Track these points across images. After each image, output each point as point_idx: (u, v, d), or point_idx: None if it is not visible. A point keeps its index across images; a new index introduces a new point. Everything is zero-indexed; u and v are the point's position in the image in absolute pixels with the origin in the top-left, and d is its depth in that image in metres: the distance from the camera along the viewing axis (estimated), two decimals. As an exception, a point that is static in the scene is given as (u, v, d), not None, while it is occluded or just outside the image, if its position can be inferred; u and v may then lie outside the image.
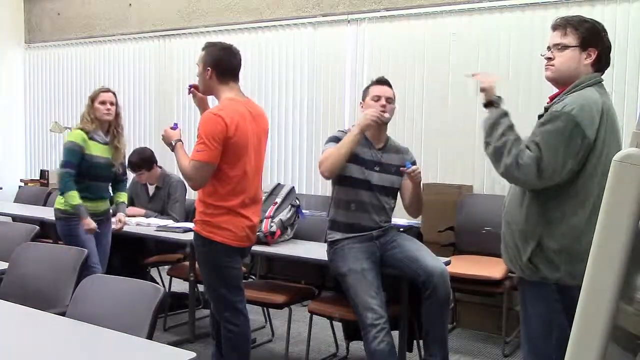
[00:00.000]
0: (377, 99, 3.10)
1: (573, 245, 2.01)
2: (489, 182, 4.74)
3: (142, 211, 4.63)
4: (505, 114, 2.16)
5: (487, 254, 4.12)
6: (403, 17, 5.14)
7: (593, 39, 2.11)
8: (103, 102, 3.78)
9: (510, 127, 2.12)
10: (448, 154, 4.88)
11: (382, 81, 3.16)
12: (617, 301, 0.88)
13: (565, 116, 1.99)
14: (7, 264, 2.82)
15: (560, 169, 2.00)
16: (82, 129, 3.76)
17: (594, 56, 2.10)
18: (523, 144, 2.06)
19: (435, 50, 4.98)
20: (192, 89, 3.11)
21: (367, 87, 3.20)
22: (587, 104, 2.01)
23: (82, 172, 3.74)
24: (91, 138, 3.76)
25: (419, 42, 5.06)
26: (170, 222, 4.36)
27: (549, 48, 2.17)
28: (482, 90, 2.25)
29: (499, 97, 2.22)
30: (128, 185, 4.54)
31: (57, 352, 1.87)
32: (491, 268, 3.88)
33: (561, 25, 2.15)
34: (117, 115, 3.86)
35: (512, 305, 3.99)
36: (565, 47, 2.11)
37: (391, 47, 5.19)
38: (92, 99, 3.81)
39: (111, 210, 4.00)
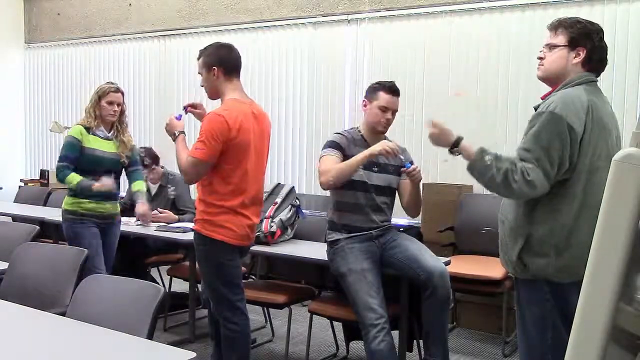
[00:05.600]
0: (385, 110, 3.08)
1: (560, 242, 2.04)
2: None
3: (175, 217, 4.44)
4: (483, 151, 2.12)
5: (487, 254, 4.12)
6: (403, 17, 5.14)
7: (582, 38, 2.14)
8: (111, 103, 3.69)
9: (497, 157, 2.09)
10: (448, 154, 4.86)
11: (393, 90, 3.10)
12: (617, 301, 0.88)
13: (547, 114, 2.02)
14: (7, 264, 2.82)
15: (559, 164, 2.01)
16: (82, 125, 3.71)
17: (582, 55, 2.13)
18: (517, 161, 2.04)
19: (435, 50, 4.98)
20: (188, 109, 3.12)
21: (376, 89, 3.11)
22: (570, 100, 2.04)
23: (84, 167, 3.66)
24: (92, 133, 3.69)
25: (419, 42, 5.06)
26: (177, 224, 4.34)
27: (543, 48, 2.21)
28: (436, 144, 2.30)
29: (459, 138, 2.22)
30: (126, 189, 4.51)
31: (57, 352, 1.87)
32: (491, 268, 3.88)
33: (554, 25, 2.20)
34: (122, 112, 3.78)
35: (512, 305, 3.97)
36: (554, 46, 2.16)
37: (391, 47, 5.19)
38: (100, 96, 3.70)
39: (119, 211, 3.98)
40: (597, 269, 0.90)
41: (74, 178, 3.61)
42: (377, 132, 3.14)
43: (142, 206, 3.89)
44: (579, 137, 2.00)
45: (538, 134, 2.03)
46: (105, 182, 3.62)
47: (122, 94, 3.77)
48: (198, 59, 3.00)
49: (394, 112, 3.12)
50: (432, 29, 5.01)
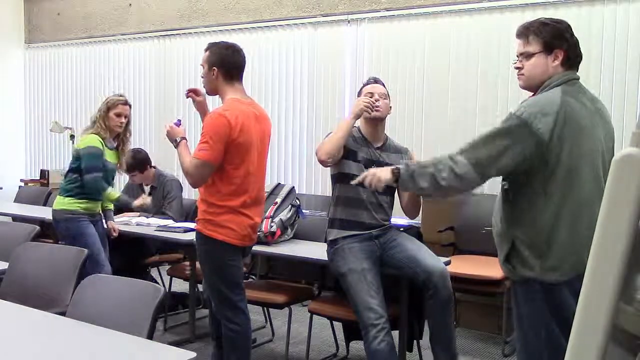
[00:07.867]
0: (370, 95, 3.12)
1: (542, 243, 2.05)
2: (489, 182, 4.72)
3: (136, 214, 4.49)
4: (406, 167, 2.21)
5: (487, 254, 4.11)
6: (403, 17, 5.14)
7: (557, 40, 2.11)
8: (119, 115, 3.80)
9: (420, 164, 2.18)
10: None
11: (372, 80, 3.21)
12: (617, 301, 0.88)
13: (512, 118, 2.03)
14: (7, 264, 2.82)
15: (496, 163, 2.05)
16: (97, 134, 3.78)
17: (561, 57, 2.11)
18: (445, 158, 2.09)
19: (435, 50, 4.98)
20: (189, 93, 3.13)
21: (361, 88, 3.23)
22: (539, 103, 2.03)
23: None
24: (104, 144, 3.82)
25: (419, 42, 5.06)
26: (170, 222, 4.35)
27: (518, 57, 2.19)
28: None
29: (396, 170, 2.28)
30: (122, 187, 4.53)
31: (57, 352, 1.87)
32: (491, 268, 3.87)
33: (523, 33, 2.16)
34: (127, 124, 3.91)
35: (512, 305, 3.98)
36: (530, 55, 2.13)
37: (391, 47, 5.20)
38: (109, 107, 3.79)
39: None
40: (597, 269, 0.90)
41: (113, 195, 3.88)
42: (374, 120, 3.13)
43: (113, 224, 4.12)
44: (545, 140, 1.98)
45: (493, 134, 2.05)
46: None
47: (130, 106, 3.90)
48: (205, 51, 3.01)
49: (382, 94, 3.13)
50: (432, 29, 5.01)
